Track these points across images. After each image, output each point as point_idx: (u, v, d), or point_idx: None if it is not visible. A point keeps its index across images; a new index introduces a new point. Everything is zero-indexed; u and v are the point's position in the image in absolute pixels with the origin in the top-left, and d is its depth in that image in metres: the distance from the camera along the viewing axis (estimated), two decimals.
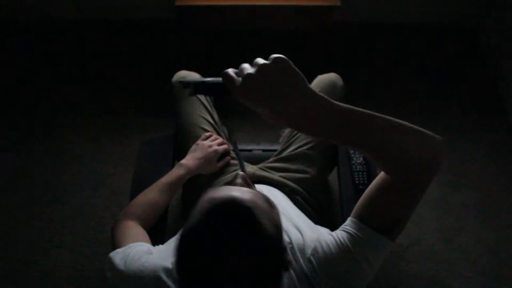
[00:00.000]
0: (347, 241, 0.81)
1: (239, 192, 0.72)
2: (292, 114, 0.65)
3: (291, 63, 0.65)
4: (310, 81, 1.45)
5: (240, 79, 0.65)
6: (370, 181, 1.30)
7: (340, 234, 0.84)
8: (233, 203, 0.69)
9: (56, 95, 2.26)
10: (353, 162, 1.34)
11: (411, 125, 0.72)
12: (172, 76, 1.45)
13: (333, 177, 1.47)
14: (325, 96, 0.67)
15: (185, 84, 0.77)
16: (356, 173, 1.32)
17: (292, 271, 0.84)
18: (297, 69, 0.65)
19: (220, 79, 0.70)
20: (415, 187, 0.76)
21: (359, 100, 2.16)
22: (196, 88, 0.76)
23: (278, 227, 0.72)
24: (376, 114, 0.70)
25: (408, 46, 2.46)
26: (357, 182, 1.30)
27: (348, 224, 0.84)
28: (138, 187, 1.24)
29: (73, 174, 1.96)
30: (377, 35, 2.51)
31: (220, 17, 1.99)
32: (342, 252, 0.81)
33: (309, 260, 0.84)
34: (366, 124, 0.69)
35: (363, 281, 0.82)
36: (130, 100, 2.22)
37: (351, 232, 0.82)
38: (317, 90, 1.45)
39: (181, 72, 1.46)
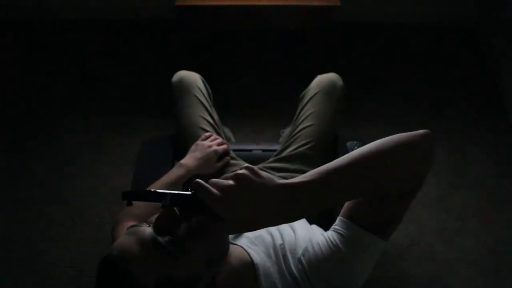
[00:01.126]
0: (337, 241, 0.79)
1: (127, 243, 0.72)
2: (278, 217, 0.65)
3: (256, 168, 0.65)
4: (310, 81, 1.45)
5: (218, 193, 0.62)
6: None
7: (331, 234, 0.82)
8: (110, 264, 0.71)
9: (56, 95, 2.26)
10: None
11: (391, 141, 0.70)
12: (172, 76, 1.45)
13: None
14: (293, 181, 0.65)
15: (155, 195, 0.67)
16: None
17: (280, 272, 0.84)
18: (261, 173, 0.64)
19: (184, 192, 0.67)
20: (409, 189, 0.76)
21: (358, 100, 2.17)
22: (173, 200, 0.67)
23: (162, 276, 0.70)
24: (351, 159, 0.68)
25: (408, 46, 2.46)
26: None
27: (338, 224, 0.82)
28: (138, 187, 1.23)
29: (73, 174, 1.96)
30: (377, 35, 2.52)
31: (220, 17, 1.99)
32: (333, 252, 0.79)
33: (299, 260, 0.83)
34: (346, 177, 0.68)
35: (355, 282, 0.80)
36: (130, 100, 2.23)
37: (342, 232, 0.80)
38: (316, 91, 1.43)
39: (181, 72, 1.46)
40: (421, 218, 1.81)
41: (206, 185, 0.63)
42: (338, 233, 0.81)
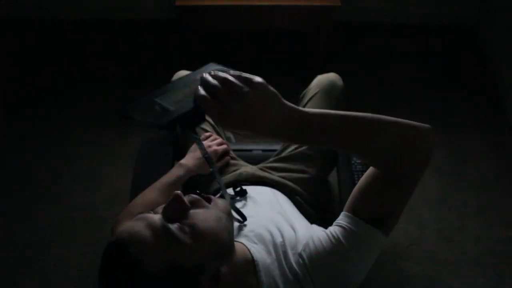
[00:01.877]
0: (339, 235, 0.80)
1: (137, 227, 0.72)
2: (274, 130, 0.66)
3: (269, 85, 0.65)
4: (310, 81, 1.45)
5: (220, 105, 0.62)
6: None
7: (333, 229, 0.83)
8: (118, 247, 0.70)
9: (56, 95, 2.26)
10: (353, 162, 1.34)
11: (398, 119, 0.73)
12: (172, 76, 1.45)
13: (333, 177, 1.47)
14: (302, 108, 0.68)
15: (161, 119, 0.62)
16: (356, 173, 1.32)
17: (280, 269, 0.84)
18: (274, 90, 0.66)
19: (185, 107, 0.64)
20: (408, 179, 0.77)
21: (358, 100, 2.17)
22: (182, 122, 0.62)
23: (170, 262, 0.70)
24: (360, 113, 0.71)
25: (408, 46, 2.46)
26: (357, 182, 1.30)
27: (341, 218, 0.83)
28: (138, 187, 1.23)
29: (73, 174, 1.96)
30: (377, 35, 2.52)
31: (220, 17, 1.99)
32: (335, 246, 0.79)
33: (300, 255, 0.83)
34: (350, 124, 0.71)
35: (356, 276, 0.81)
36: (130, 100, 2.22)
37: (344, 225, 0.80)
38: (316, 91, 1.44)
39: (181, 72, 1.46)
40: (421, 218, 1.81)
41: (209, 99, 0.62)
42: (340, 226, 0.81)
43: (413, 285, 1.64)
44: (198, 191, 0.82)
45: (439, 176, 1.94)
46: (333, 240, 0.80)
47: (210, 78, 0.64)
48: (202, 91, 0.63)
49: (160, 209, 0.76)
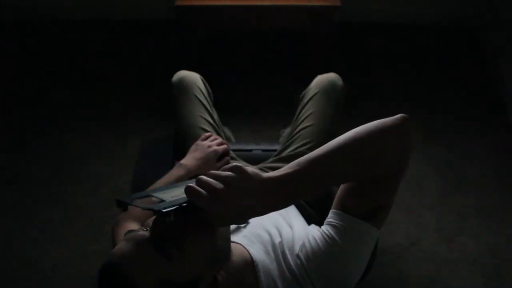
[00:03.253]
0: (332, 233, 0.81)
1: (127, 248, 0.72)
2: (259, 210, 0.68)
3: (243, 167, 0.68)
4: (310, 81, 1.45)
5: (205, 193, 0.65)
6: None
7: (325, 228, 0.83)
8: (111, 269, 0.71)
9: (56, 95, 2.26)
10: None
11: (367, 129, 0.74)
12: (172, 76, 1.45)
13: None
14: (277, 174, 0.69)
15: (163, 210, 0.66)
16: None
17: (279, 270, 0.84)
18: (248, 170, 0.68)
19: (177, 197, 0.70)
20: (393, 175, 0.78)
21: (358, 100, 2.17)
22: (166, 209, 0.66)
23: (163, 280, 0.71)
24: (328, 147, 0.73)
25: (408, 46, 2.46)
26: None
27: (332, 216, 0.84)
28: (138, 187, 1.23)
29: (73, 174, 1.96)
30: (377, 35, 2.52)
31: (220, 17, 1.99)
32: (330, 245, 0.80)
33: (297, 256, 0.83)
34: (327, 164, 0.72)
35: (354, 272, 0.81)
36: (130, 100, 2.23)
37: (335, 224, 0.81)
38: (316, 91, 1.44)
39: (181, 72, 1.46)
40: (421, 218, 1.81)
41: (197, 188, 0.66)
42: (332, 225, 0.82)
43: (413, 285, 1.64)
44: None
45: (439, 176, 1.94)
46: (328, 240, 0.81)
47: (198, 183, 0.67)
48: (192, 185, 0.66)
49: (150, 221, 0.76)
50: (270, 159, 1.38)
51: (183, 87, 1.41)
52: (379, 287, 1.63)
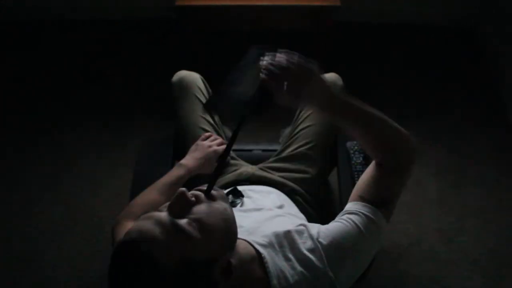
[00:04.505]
0: (354, 219, 0.86)
1: (146, 226, 0.73)
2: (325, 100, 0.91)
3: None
4: None
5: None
6: None
7: (344, 217, 0.88)
8: (130, 247, 0.71)
9: (56, 95, 2.26)
10: (353, 162, 1.34)
11: (393, 123, 0.95)
12: (172, 76, 1.45)
13: (333, 177, 1.47)
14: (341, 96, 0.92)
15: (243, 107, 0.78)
16: (356, 173, 1.32)
17: (286, 259, 0.84)
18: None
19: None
20: (401, 169, 0.91)
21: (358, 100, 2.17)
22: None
23: (182, 257, 0.71)
24: (375, 111, 0.96)
25: (408, 46, 2.46)
26: (357, 181, 1.30)
27: (350, 206, 0.90)
28: (138, 187, 1.23)
29: (73, 174, 1.96)
30: (377, 35, 2.52)
31: (220, 17, 1.99)
32: (348, 228, 0.85)
33: (311, 238, 0.85)
34: (366, 110, 0.95)
35: (366, 258, 0.87)
36: (130, 100, 2.23)
37: (355, 211, 0.88)
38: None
39: (181, 72, 1.46)
40: (421, 218, 1.81)
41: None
42: (353, 213, 0.88)
43: (413, 285, 1.64)
44: (199, 187, 0.84)
45: (439, 176, 1.94)
46: (346, 223, 0.86)
47: (273, 68, 0.87)
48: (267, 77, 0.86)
49: (164, 207, 0.78)
50: (270, 159, 1.38)
51: (183, 87, 1.41)
52: (379, 287, 1.63)
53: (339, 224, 0.87)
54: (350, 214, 0.88)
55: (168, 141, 1.45)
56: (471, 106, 2.21)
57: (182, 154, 1.32)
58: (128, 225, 1.09)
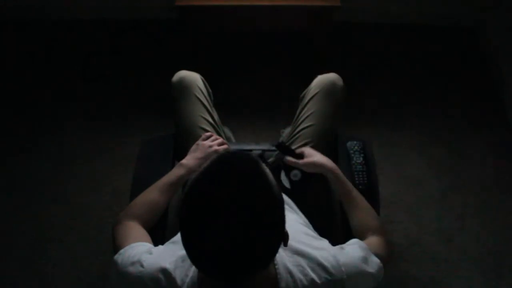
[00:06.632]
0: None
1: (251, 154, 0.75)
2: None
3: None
4: (310, 81, 1.45)
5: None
6: (370, 181, 1.30)
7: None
8: (240, 153, 0.73)
9: (56, 95, 2.26)
10: (353, 162, 1.34)
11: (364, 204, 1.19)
12: (172, 76, 1.45)
13: None
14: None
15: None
16: (356, 173, 1.32)
17: (291, 259, 0.87)
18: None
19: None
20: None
21: (358, 100, 2.17)
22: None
23: (280, 196, 0.72)
24: (353, 196, 1.19)
25: (408, 46, 2.46)
26: (357, 182, 1.30)
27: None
28: (138, 187, 1.23)
29: (73, 174, 1.96)
30: (377, 35, 2.52)
31: (220, 17, 1.99)
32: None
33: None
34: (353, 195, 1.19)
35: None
36: (130, 100, 2.23)
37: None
38: (317, 91, 1.46)
39: (181, 72, 1.46)
40: (421, 218, 1.82)
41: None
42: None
43: (413, 285, 1.65)
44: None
45: (439, 176, 1.94)
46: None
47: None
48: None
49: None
50: (270, 159, 1.38)
51: (183, 87, 1.41)
52: (379, 287, 1.63)
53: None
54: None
55: (168, 141, 1.45)
56: (471, 106, 2.21)
57: (182, 154, 1.32)
58: (129, 225, 1.09)
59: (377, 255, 0.99)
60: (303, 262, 0.87)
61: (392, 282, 1.64)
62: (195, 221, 0.68)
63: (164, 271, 0.86)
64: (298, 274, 0.84)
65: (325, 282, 0.85)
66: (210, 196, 0.67)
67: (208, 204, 0.67)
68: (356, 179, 1.31)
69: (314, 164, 1.23)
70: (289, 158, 1.26)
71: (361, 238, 1.05)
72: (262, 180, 0.70)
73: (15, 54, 2.46)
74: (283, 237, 0.74)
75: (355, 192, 1.18)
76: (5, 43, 2.51)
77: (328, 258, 0.89)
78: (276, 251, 0.72)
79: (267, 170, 0.72)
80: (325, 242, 0.98)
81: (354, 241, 1.02)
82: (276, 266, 0.84)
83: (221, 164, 0.71)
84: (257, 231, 0.67)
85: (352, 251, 0.95)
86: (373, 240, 1.07)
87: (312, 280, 0.84)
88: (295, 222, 1.07)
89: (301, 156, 1.26)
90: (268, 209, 0.69)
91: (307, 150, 1.27)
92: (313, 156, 1.24)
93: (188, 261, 0.75)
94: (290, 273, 0.84)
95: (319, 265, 0.87)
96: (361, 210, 1.16)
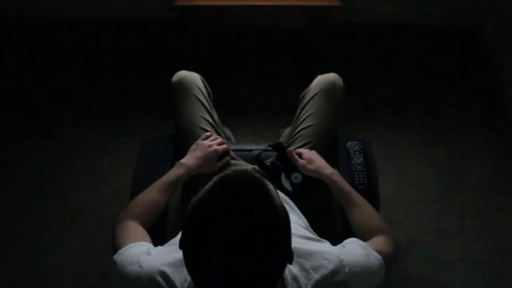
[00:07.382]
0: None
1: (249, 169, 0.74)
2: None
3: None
4: (310, 81, 1.45)
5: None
6: (370, 181, 1.30)
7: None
8: (245, 173, 0.72)
9: (56, 95, 2.26)
10: (353, 162, 1.34)
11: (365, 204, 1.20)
12: (172, 76, 1.45)
13: None
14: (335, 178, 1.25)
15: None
16: (356, 173, 1.32)
17: (305, 271, 0.86)
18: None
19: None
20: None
21: (358, 100, 2.17)
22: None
23: (286, 215, 0.71)
24: (355, 198, 1.20)
25: (408, 46, 2.46)
26: (357, 182, 1.30)
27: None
28: (138, 187, 1.24)
29: (73, 174, 1.95)
30: (377, 35, 2.52)
31: (220, 17, 1.99)
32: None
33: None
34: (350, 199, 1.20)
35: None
36: (130, 100, 2.23)
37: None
38: (317, 91, 1.46)
39: (181, 72, 1.46)
40: (421, 218, 1.81)
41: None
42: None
43: (413, 285, 1.64)
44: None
45: (439, 176, 1.94)
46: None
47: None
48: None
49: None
50: (270, 159, 1.38)
51: (183, 87, 1.41)
52: (379, 287, 1.63)
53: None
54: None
55: (168, 140, 1.45)
56: (471, 106, 2.21)
57: (182, 154, 1.32)
58: (128, 225, 1.09)
59: (380, 252, 0.99)
60: (306, 264, 0.86)
61: (392, 282, 1.64)
62: (197, 253, 0.68)
63: (163, 274, 0.85)
64: (302, 279, 0.84)
65: (329, 283, 0.85)
66: (212, 223, 0.67)
67: (209, 230, 0.67)
68: (356, 179, 1.31)
69: (310, 171, 1.26)
70: (291, 150, 1.31)
71: (365, 240, 1.04)
72: (268, 201, 0.69)
73: (15, 54, 2.46)
74: (289, 256, 0.73)
75: (355, 194, 1.18)
76: (5, 43, 2.51)
77: (331, 258, 0.88)
78: (282, 271, 0.72)
79: (273, 191, 0.71)
80: (326, 244, 0.98)
81: (353, 240, 1.01)
82: (285, 276, 0.84)
83: (222, 190, 0.70)
84: (263, 251, 0.66)
85: (353, 250, 0.95)
86: (377, 239, 1.07)
87: (317, 281, 0.84)
88: (295, 223, 1.07)
89: (299, 156, 1.28)
90: (274, 229, 0.68)
91: (306, 154, 1.27)
92: (311, 163, 1.26)
93: None
94: (295, 278, 0.84)
95: (322, 267, 0.86)
96: (362, 214, 1.15)
